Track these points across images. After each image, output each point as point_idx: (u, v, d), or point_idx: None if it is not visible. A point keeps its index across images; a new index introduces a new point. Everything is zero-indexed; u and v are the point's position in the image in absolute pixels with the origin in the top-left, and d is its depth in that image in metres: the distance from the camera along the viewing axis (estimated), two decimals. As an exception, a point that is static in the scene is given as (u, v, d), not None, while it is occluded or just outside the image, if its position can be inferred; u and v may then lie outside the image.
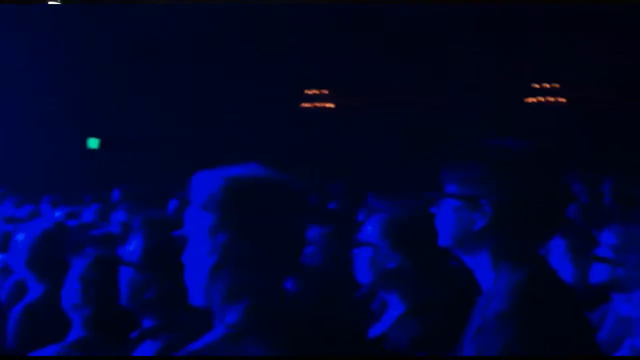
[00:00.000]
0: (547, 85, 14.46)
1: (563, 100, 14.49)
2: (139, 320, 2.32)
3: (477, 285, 1.97)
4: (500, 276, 1.91)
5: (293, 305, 1.75)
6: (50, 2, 12.01)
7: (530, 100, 14.57)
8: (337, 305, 3.20)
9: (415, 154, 10.60)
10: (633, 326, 2.21)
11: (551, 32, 11.84)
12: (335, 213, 6.29)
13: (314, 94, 15.07)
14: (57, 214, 6.06)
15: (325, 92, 15.02)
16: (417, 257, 2.35)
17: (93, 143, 14.41)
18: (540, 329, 1.79)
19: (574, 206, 6.36)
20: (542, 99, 14.54)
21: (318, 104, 15.12)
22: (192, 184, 1.69)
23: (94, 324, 2.39)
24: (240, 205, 1.62)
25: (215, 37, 12.61)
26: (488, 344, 1.81)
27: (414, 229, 2.35)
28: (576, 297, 2.08)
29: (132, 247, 2.34)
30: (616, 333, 2.47)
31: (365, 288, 2.84)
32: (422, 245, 2.27)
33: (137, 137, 13.50)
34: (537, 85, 14.48)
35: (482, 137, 2.07)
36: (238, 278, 1.62)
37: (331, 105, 15.11)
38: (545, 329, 1.80)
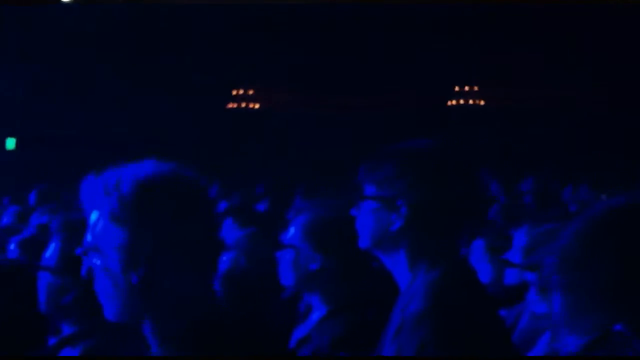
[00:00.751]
0: (467, 88, 14.81)
1: (482, 102, 14.86)
2: (58, 326, 2.26)
3: (397, 286, 2.01)
4: (418, 276, 1.95)
5: (217, 309, 1.72)
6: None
7: (450, 102, 14.89)
8: (261, 308, 3.20)
9: (337, 155, 10.69)
10: (547, 324, 2.28)
11: (470, 33, 12.10)
12: (261, 214, 6.27)
13: (240, 94, 15.01)
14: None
15: (251, 92, 14.98)
16: (339, 259, 2.38)
17: (10, 143, 13.97)
18: (455, 329, 1.84)
19: (494, 206, 6.53)
20: (461, 100, 14.88)
21: (244, 104, 15.06)
22: (86, 189, 1.60)
23: (10, 330, 2.32)
24: (156, 209, 1.53)
25: (141, 36, 12.42)
26: (406, 343, 1.85)
27: (334, 231, 2.37)
28: (491, 297, 2.15)
29: (50, 251, 2.29)
30: (531, 331, 2.55)
31: (289, 290, 2.86)
32: (343, 247, 2.29)
33: (56, 136, 13.15)
34: (457, 88, 14.82)
35: (399, 138, 2.10)
36: (161, 287, 1.55)
37: (256, 106, 15.08)
38: (460, 328, 1.84)
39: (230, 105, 14.97)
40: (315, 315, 2.45)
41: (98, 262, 1.55)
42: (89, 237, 1.57)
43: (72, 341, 2.18)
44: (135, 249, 1.51)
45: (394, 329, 1.93)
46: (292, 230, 2.46)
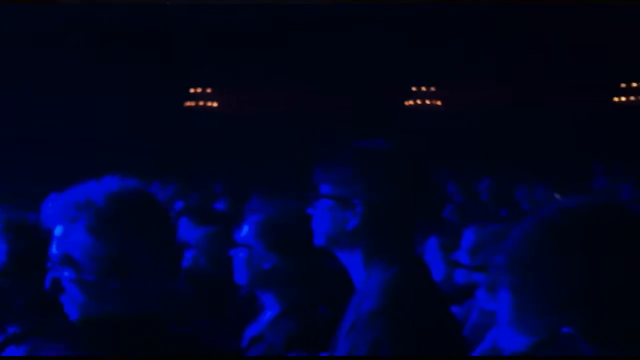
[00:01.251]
0: (424, 88, 14.94)
1: (439, 102, 15.01)
2: (3, 326, 2.23)
3: (352, 284, 2.03)
4: (372, 274, 1.97)
5: (176, 308, 1.76)
6: None
7: (407, 102, 15.00)
8: (217, 307, 3.20)
9: (295, 154, 10.71)
10: (495, 320, 2.32)
11: (428, 33, 12.19)
12: (219, 213, 6.25)
13: (199, 93, 14.91)
14: None
15: (209, 90, 14.89)
16: (292, 258, 2.39)
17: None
18: (408, 326, 1.87)
19: (449, 206, 6.61)
20: (418, 101, 15.01)
21: (202, 103, 14.97)
22: (50, 206, 1.68)
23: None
24: (129, 220, 1.65)
25: (100, 33, 12.25)
26: (360, 340, 1.87)
27: (288, 230, 2.39)
28: (443, 294, 2.18)
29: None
30: (480, 326, 2.59)
31: (244, 289, 2.86)
32: (297, 245, 2.31)
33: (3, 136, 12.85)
34: (414, 88, 14.93)
35: (355, 138, 2.13)
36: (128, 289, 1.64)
37: (214, 104, 15.00)
38: (412, 325, 1.87)
39: (187, 104, 14.86)
40: (269, 314, 2.46)
41: (67, 274, 1.63)
42: (55, 250, 1.65)
43: (17, 340, 2.16)
44: (115, 257, 1.61)
45: (348, 326, 1.95)
46: (245, 229, 2.47)
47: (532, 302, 1.19)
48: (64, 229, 1.65)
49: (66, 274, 1.63)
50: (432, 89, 14.93)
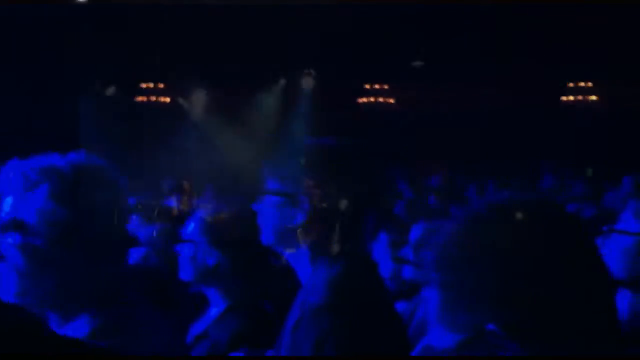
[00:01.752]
0: (377, 86, 15.01)
1: (392, 100, 15.10)
2: None
3: (298, 280, 2.02)
4: (318, 270, 1.97)
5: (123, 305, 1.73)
6: None
7: (361, 100, 15.06)
8: (163, 304, 3.16)
9: (242, 151, 10.67)
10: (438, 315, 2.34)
11: (379, 32, 12.20)
12: (170, 210, 6.20)
13: (150, 89, 14.75)
14: None
15: (161, 86, 14.73)
16: (237, 254, 2.38)
17: None
18: (351, 322, 1.87)
19: (400, 202, 6.64)
20: (372, 99, 15.08)
21: (154, 99, 14.80)
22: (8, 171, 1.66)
23: None
24: (90, 194, 1.64)
25: (49, 28, 11.99)
26: (305, 336, 1.87)
27: (233, 226, 2.37)
28: (388, 291, 2.19)
29: None
30: (426, 322, 2.61)
31: (190, 286, 2.83)
32: (242, 242, 2.29)
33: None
34: (367, 86, 14.99)
35: (303, 135, 2.13)
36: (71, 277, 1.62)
37: (167, 100, 14.85)
38: (355, 322, 1.87)
39: (139, 99, 14.68)
40: (214, 311, 2.44)
41: (11, 240, 1.60)
42: (6, 215, 1.62)
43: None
44: (70, 225, 1.60)
45: (293, 322, 1.95)
46: (191, 225, 2.45)
47: (458, 299, 1.19)
48: (20, 194, 1.63)
49: (10, 240, 1.61)
50: (385, 86, 15.02)
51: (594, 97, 14.59)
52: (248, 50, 12.35)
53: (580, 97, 14.69)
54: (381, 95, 15.07)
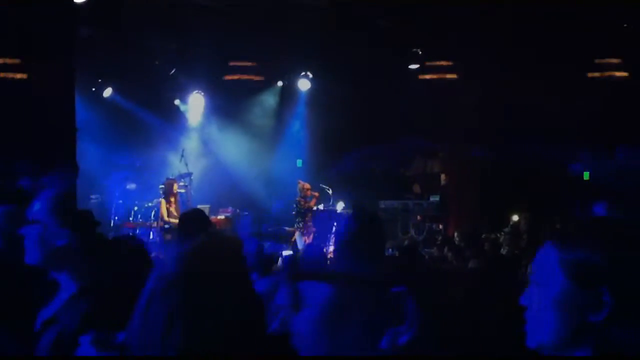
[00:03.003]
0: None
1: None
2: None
3: (150, 259, 1.98)
4: (171, 247, 1.94)
5: None
6: None
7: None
8: (11, 289, 3.00)
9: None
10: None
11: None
12: (20, 191, 5.89)
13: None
14: None
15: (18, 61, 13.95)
16: (86, 234, 2.29)
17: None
18: (204, 294, 1.86)
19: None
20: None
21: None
22: None
23: None
24: None
25: None
26: (156, 313, 1.84)
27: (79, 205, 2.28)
28: (247, 268, 2.18)
29: None
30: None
31: (40, 269, 2.70)
32: (92, 221, 2.21)
33: None
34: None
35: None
36: None
37: (23, 76, 14.10)
38: (208, 293, 1.87)
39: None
40: (64, 295, 2.34)
41: None
42: None
43: None
44: None
45: (145, 301, 1.91)
46: (37, 205, 2.33)
47: None
48: None
49: None
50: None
51: None
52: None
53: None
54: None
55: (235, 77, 13.71)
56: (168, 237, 10.99)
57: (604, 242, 1.68)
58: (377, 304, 1.88)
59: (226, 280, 1.95)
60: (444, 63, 13.38)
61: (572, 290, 1.68)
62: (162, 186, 11.67)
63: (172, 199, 11.32)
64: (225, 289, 1.93)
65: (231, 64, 13.17)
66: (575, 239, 1.71)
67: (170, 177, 11.90)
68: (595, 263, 1.66)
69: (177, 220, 10.62)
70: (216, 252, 1.98)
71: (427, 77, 13.54)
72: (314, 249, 4.46)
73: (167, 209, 11.15)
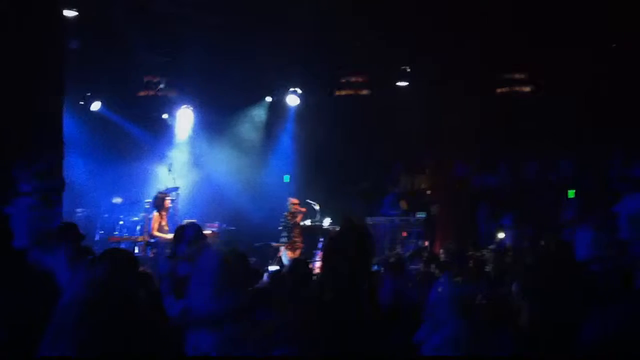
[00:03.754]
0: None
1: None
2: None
3: (58, 285, 1.97)
4: (79, 274, 1.93)
5: None
6: None
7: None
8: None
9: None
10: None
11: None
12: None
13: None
14: None
15: None
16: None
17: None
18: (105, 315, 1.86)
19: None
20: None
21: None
22: None
23: None
24: None
25: None
26: (62, 329, 1.84)
27: None
28: (161, 290, 2.17)
29: None
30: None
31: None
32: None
33: None
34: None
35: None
36: None
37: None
38: (109, 315, 1.86)
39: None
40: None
41: None
42: None
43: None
44: None
45: (54, 325, 1.91)
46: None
47: None
48: None
49: None
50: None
51: None
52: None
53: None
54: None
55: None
56: (154, 252, 10.94)
57: None
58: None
59: (130, 302, 1.94)
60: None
61: None
62: (150, 200, 11.61)
63: (164, 213, 11.27)
64: (130, 316, 1.92)
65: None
66: None
67: (162, 191, 11.89)
68: None
69: (166, 235, 10.59)
70: (122, 275, 1.98)
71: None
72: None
73: (160, 223, 11.10)
